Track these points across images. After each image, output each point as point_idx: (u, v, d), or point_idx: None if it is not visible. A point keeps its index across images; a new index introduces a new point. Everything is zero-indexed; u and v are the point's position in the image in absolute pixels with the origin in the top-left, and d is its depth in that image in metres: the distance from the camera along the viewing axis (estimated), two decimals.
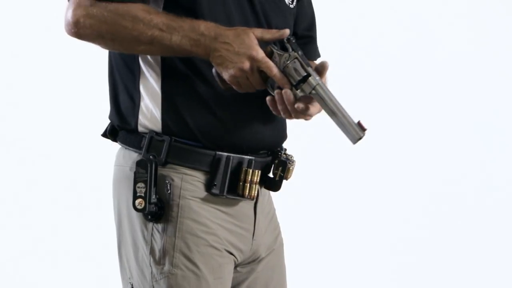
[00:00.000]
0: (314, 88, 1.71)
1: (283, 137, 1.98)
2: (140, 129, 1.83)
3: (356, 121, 1.71)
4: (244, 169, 1.84)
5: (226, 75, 1.72)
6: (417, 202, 4.01)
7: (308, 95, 1.72)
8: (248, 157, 1.85)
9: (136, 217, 1.82)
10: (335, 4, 3.67)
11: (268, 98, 1.75)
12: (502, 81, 4.04)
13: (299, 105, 1.71)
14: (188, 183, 1.81)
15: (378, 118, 3.71)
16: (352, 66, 3.80)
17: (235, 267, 1.92)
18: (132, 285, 1.86)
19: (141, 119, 1.82)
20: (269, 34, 1.73)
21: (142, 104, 1.82)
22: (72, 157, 3.76)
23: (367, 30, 3.95)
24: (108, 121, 1.94)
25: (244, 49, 1.69)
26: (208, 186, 1.82)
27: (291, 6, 1.96)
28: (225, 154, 1.82)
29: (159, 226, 1.80)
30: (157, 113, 1.81)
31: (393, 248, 3.99)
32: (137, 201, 1.77)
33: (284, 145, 2.00)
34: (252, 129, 1.85)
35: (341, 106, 1.72)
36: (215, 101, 1.81)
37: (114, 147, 1.94)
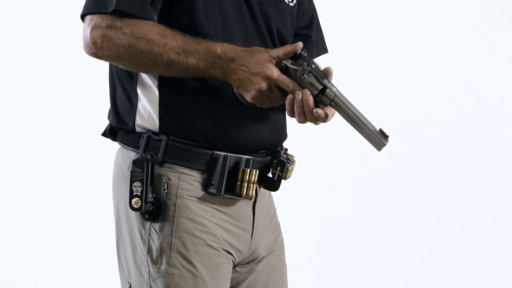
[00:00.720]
0: (332, 100, 1.72)
1: (283, 136, 1.97)
2: (137, 129, 1.83)
3: (378, 129, 1.71)
4: (241, 168, 1.84)
5: (247, 97, 1.74)
6: (418, 202, 4.00)
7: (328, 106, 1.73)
8: (246, 156, 1.85)
9: (134, 216, 1.83)
10: (334, 3, 3.66)
11: (289, 96, 1.74)
12: (503, 82, 4.04)
13: (318, 111, 1.71)
14: (185, 182, 1.81)
15: (379, 118, 3.70)
16: (352, 66, 3.79)
17: (234, 267, 1.92)
18: (130, 284, 1.86)
19: (138, 119, 1.83)
20: (283, 50, 1.74)
21: (139, 104, 1.83)
22: (72, 156, 3.77)
23: (366, 29, 3.95)
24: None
25: (259, 69, 1.71)
26: (206, 186, 1.82)
27: (291, 4, 1.96)
28: (223, 153, 1.82)
29: (157, 226, 1.80)
30: (154, 113, 1.81)
31: (393, 248, 3.99)
32: (133, 200, 1.77)
33: (285, 145, 1.99)
34: (250, 130, 1.85)
35: (361, 115, 1.72)
36: (212, 101, 1.81)
37: (114, 147, 1.94)
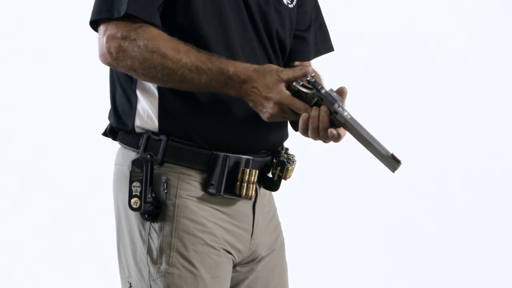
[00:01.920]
0: (343, 124, 1.72)
1: (284, 136, 1.97)
2: (137, 130, 1.84)
3: (390, 153, 1.71)
4: (241, 168, 1.84)
5: (263, 117, 1.75)
6: (418, 201, 4.00)
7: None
8: (246, 156, 1.85)
9: (134, 216, 1.83)
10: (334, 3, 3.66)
11: (304, 114, 1.74)
12: (503, 82, 4.03)
13: (332, 131, 1.72)
14: (185, 182, 1.82)
15: (379, 118, 3.70)
16: (352, 67, 3.79)
17: (234, 266, 1.92)
18: (130, 284, 1.87)
19: (138, 121, 1.83)
20: (293, 73, 1.74)
21: (138, 106, 1.83)
22: (73, 155, 3.77)
23: (365, 29, 3.95)
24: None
25: (270, 93, 1.72)
26: (205, 186, 1.83)
27: (290, 6, 1.95)
28: (222, 153, 1.83)
29: (156, 225, 1.81)
30: (153, 115, 1.82)
31: (393, 248, 3.99)
32: (132, 200, 1.78)
33: (286, 144, 1.99)
34: (250, 131, 1.85)
35: (373, 139, 1.72)
36: (211, 103, 1.81)
37: (114, 146, 1.95)
